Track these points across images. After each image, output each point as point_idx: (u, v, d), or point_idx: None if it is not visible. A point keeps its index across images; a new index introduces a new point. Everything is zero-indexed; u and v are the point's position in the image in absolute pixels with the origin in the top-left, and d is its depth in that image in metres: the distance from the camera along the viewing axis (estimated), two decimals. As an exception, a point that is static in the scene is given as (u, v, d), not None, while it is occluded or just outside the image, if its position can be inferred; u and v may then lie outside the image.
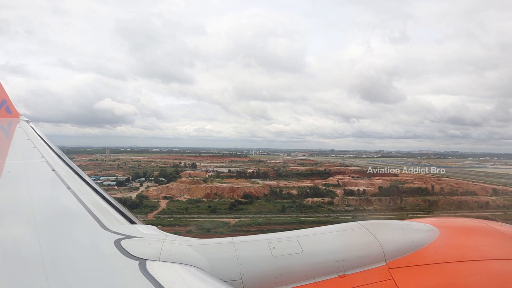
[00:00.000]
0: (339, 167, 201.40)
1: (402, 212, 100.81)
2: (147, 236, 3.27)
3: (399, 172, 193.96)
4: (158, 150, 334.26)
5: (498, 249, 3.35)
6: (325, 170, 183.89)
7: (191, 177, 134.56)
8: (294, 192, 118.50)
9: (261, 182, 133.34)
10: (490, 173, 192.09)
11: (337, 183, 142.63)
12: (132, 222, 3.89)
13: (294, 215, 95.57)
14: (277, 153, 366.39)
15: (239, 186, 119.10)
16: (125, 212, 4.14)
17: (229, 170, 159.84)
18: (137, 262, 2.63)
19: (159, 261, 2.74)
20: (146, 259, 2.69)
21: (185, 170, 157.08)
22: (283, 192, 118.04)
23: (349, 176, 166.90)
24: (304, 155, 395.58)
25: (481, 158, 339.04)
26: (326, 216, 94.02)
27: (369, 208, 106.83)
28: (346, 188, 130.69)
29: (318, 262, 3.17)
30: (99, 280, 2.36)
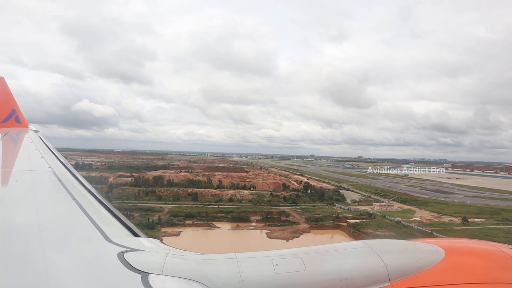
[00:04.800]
0: (205, 164, 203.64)
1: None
2: (150, 250, 3.27)
3: (252, 170, 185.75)
4: (121, 151, 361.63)
5: (504, 273, 3.16)
6: (173, 164, 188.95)
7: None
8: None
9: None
10: (383, 174, 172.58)
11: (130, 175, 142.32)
12: (135, 235, 3.87)
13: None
14: (230, 156, 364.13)
15: None
16: (129, 225, 4.15)
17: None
18: (140, 275, 2.64)
19: (162, 275, 2.75)
20: (149, 273, 2.70)
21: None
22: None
23: (179, 170, 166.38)
24: (260, 158, 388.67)
25: (444, 164, 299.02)
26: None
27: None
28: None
29: (321, 280, 3.05)
30: None
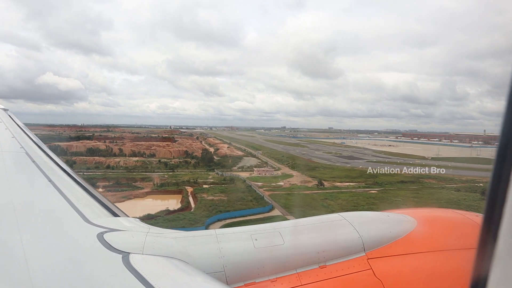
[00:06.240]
0: (137, 135, 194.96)
1: None
2: (130, 229, 3.25)
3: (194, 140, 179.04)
4: (80, 125, 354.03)
5: (471, 239, 3.31)
6: (100, 135, 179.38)
7: None
8: None
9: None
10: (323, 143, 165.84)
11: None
12: (115, 215, 3.85)
13: None
14: (194, 128, 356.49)
15: None
16: (107, 205, 4.11)
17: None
18: (120, 255, 2.62)
19: (142, 254, 2.75)
20: (129, 252, 2.69)
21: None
22: None
23: (103, 141, 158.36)
24: (224, 130, 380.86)
25: (407, 133, 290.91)
26: None
27: None
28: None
29: (299, 253, 3.20)
30: (82, 274, 2.38)
